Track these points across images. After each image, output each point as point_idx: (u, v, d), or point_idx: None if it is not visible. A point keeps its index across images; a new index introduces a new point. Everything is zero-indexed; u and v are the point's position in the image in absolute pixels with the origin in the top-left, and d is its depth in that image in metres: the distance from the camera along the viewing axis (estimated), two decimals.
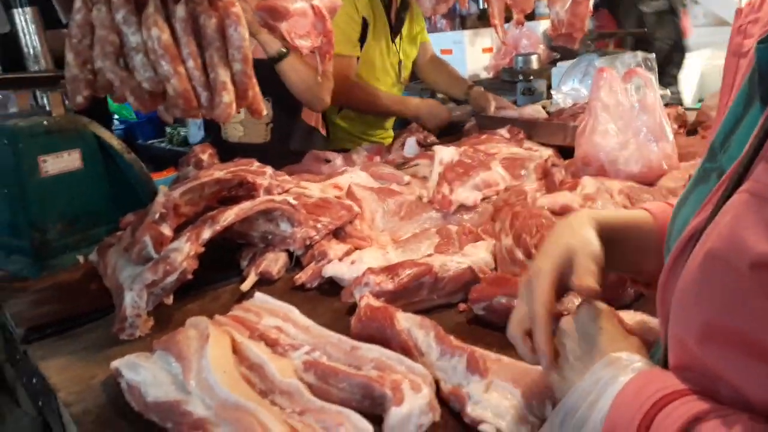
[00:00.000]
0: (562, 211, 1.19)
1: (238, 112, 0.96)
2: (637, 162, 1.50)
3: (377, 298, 0.97)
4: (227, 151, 1.66)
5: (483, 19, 5.45)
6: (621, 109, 1.54)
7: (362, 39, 2.38)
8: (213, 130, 2.28)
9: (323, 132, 2.44)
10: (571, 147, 1.81)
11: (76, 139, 1.29)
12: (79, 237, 1.32)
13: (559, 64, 4.01)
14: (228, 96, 0.91)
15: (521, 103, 5.00)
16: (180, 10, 0.89)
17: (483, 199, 1.43)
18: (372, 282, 1.00)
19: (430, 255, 1.12)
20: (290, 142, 2.22)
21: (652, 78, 1.60)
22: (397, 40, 2.55)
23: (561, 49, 5.07)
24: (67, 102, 1.28)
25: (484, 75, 5.37)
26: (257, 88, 0.98)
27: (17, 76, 1.21)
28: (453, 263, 1.06)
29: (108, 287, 1.09)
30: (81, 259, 1.28)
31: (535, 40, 5.04)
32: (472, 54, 5.14)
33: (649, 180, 1.49)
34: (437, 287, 1.04)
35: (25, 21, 1.57)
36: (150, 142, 4.48)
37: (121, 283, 1.02)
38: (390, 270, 1.03)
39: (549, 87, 4.32)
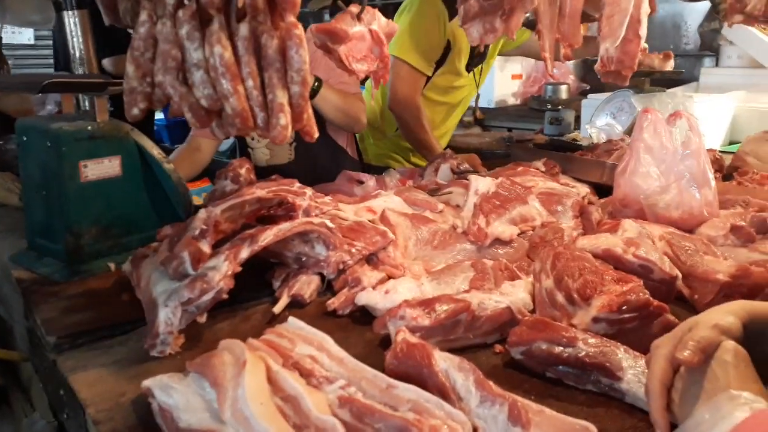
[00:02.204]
0: (604, 256, 1.16)
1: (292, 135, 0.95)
2: (677, 207, 1.47)
3: (412, 333, 0.95)
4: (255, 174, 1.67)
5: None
6: (664, 152, 1.52)
7: (440, 62, 2.39)
8: (243, 150, 2.29)
9: (350, 151, 2.43)
10: (607, 185, 1.79)
11: (117, 146, 1.29)
12: (112, 243, 1.31)
13: (589, 96, 3.99)
14: (285, 118, 0.90)
15: (548, 132, 4.98)
16: (243, 29, 0.89)
17: (519, 234, 1.41)
18: (408, 316, 0.98)
19: (467, 291, 1.10)
20: (316, 160, 2.22)
21: (697, 121, 1.58)
22: (476, 70, 2.56)
23: (591, 81, 5.07)
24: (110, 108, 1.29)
25: (511, 101, 5.36)
26: (311, 111, 0.97)
27: (70, 80, 1.22)
28: (491, 302, 1.04)
29: (140, 299, 1.08)
30: (112, 266, 1.27)
31: (565, 71, 5.04)
32: (501, 80, 5.13)
33: (688, 226, 1.46)
34: (474, 326, 1.01)
35: (73, 24, 1.59)
36: (177, 147, 4.49)
37: (155, 297, 1.00)
38: (426, 304, 1.01)
39: (577, 118, 4.31)
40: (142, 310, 1.05)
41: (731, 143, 2.90)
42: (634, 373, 0.89)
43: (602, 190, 1.81)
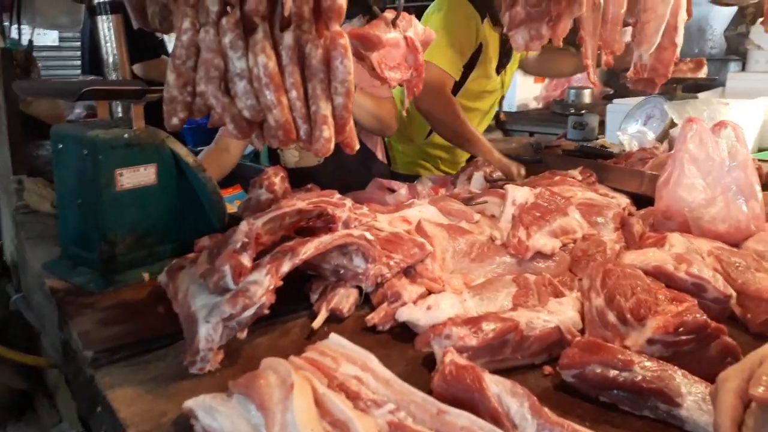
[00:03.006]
0: (655, 273, 1.12)
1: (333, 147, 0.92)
2: (723, 221, 1.42)
3: (459, 353, 0.92)
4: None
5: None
6: (710, 163, 1.47)
7: (471, 66, 2.35)
8: (273, 156, 2.27)
9: (379, 155, 2.41)
10: (646, 196, 1.74)
11: (153, 154, 1.27)
12: (146, 253, 1.29)
13: (615, 101, 3.92)
14: (328, 131, 0.87)
15: (571, 137, 4.91)
16: (288, 38, 0.86)
17: (560, 247, 1.37)
18: (455, 335, 0.95)
19: (512, 308, 1.06)
20: (345, 164, 2.19)
21: (744, 131, 1.53)
22: (503, 72, 2.53)
23: (615, 86, 4.98)
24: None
25: (533, 105, 5.30)
26: (353, 122, 0.94)
27: (108, 87, 1.20)
28: (539, 321, 1.00)
29: (177, 312, 1.06)
30: (146, 276, 1.25)
31: None
32: (524, 83, 5.08)
33: (734, 241, 1.41)
34: (522, 346, 0.98)
35: (107, 28, 1.58)
36: (201, 149, 4.49)
37: (194, 311, 0.98)
38: (473, 323, 0.98)
39: (601, 123, 4.23)
40: (179, 323, 1.02)
41: (760, 150, 2.83)
42: (694, 399, 0.85)
43: (640, 200, 1.76)
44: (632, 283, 1.04)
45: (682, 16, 1.79)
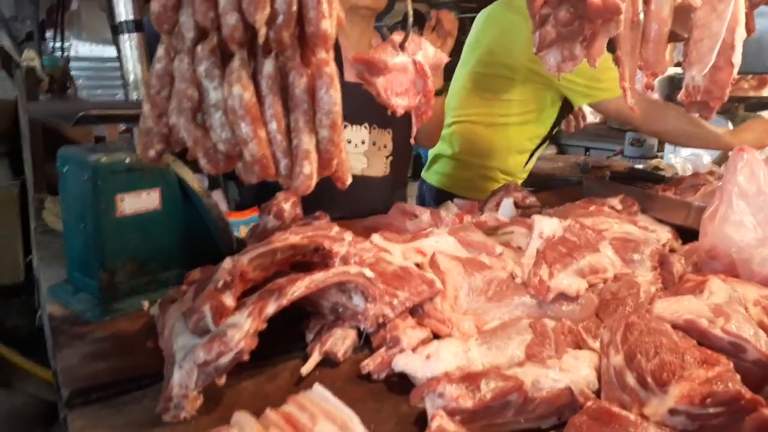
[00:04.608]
0: (686, 327, 0.99)
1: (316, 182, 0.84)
2: None
3: (452, 416, 0.83)
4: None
5: None
6: (762, 199, 1.32)
7: None
8: None
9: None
10: (692, 229, 1.59)
11: (157, 179, 1.23)
12: (148, 280, 1.26)
13: None
14: (309, 166, 0.80)
15: (628, 153, 4.65)
16: (268, 66, 0.79)
17: (587, 288, 1.25)
18: (448, 395, 0.86)
19: (520, 363, 0.95)
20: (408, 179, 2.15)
21: None
22: None
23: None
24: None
25: (590, 119, 5.08)
26: (344, 155, 0.86)
27: (105, 113, 1.17)
28: (548, 380, 0.89)
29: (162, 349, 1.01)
30: (145, 305, 1.21)
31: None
32: None
33: None
34: (526, 409, 0.87)
35: (129, 47, 1.56)
36: None
37: (174, 352, 0.93)
38: (471, 380, 0.88)
39: (660, 140, 4.00)
40: (162, 362, 0.97)
41: None
42: None
43: (686, 232, 1.61)
44: (657, 340, 0.92)
45: (740, 33, 1.63)
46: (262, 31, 0.74)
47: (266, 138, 0.80)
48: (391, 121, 1.87)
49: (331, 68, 0.81)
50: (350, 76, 1.68)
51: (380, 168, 1.98)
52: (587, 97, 2.22)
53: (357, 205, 1.77)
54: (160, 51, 0.80)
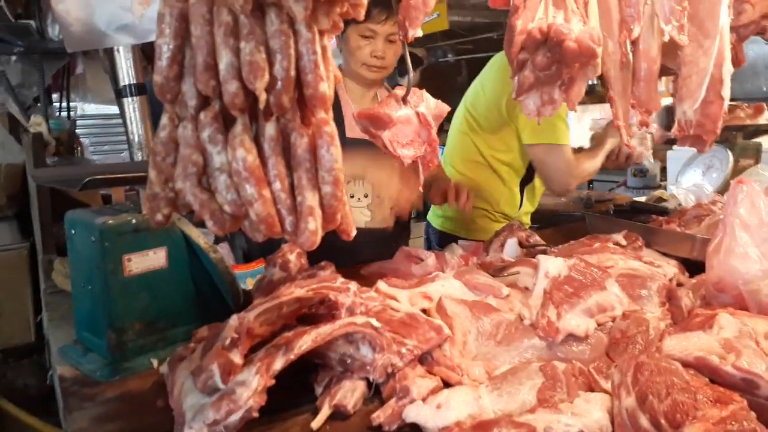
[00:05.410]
0: (697, 365, 0.98)
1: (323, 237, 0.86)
2: None
3: None
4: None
5: (590, 94, 5.27)
6: (765, 230, 1.32)
7: None
8: None
9: None
10: (698, 261, 1.59)
11: (163, 237, 1.25)
12: (157, 337, 1.26)
13: (675, 147, 3.72)
14: (314, 222, 0.81)
15: (631, 184, 4.65)
16: (270, 129, 0.82)
17: (596, 327, 1.24)
18: None
19: (531, 410, 0.95)
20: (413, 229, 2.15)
21: None
22: None
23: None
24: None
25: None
26: (347, 208, 0.88)
27: (110, 176, 1.20)
28: (560, 426, 0.89)
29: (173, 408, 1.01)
30: (155, 363, 1.22)
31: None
32: (579, 129, 4.96)
33: None
34: None
35: (132, 110, 1.61)
36: None
37: (183, 411, 0.93)
38: (482, 429, 0.88)
39: (663, 169, 4.01)
40: (173, 421, 0.97)
41: None
42: None
43: (694, 265, 1.61)
44: (668, 380, 0.91)
45: (728, 68, 1.66)
46: (263, 97, 0.77)
47: (271, 197, 0.82)
48: (393, 174, 1.89)
49: (331, 127, 0.84)
50: (352, 132, 1.71)
51: (384, 220, 2.01)
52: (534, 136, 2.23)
53: (361, 255, 1.78)
54: (164, 119, 0.83)
